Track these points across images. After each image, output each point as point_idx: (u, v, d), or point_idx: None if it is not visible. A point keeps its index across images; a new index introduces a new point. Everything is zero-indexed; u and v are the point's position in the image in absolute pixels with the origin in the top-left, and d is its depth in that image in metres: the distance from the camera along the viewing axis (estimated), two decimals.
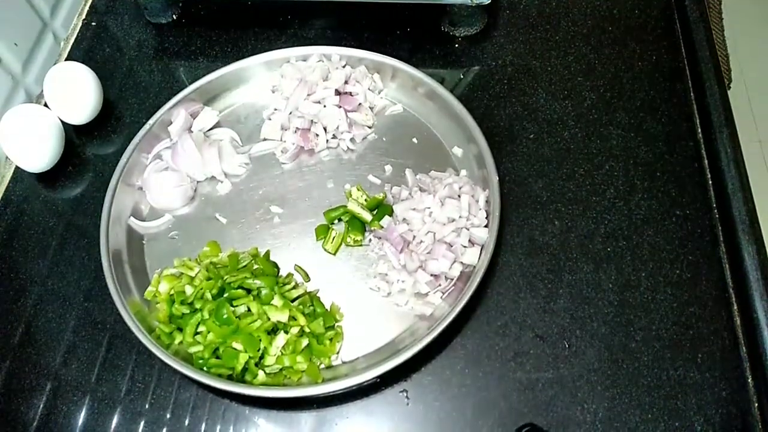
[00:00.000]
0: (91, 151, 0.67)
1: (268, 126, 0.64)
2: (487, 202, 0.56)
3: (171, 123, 0.63)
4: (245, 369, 0.50)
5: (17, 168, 0.65)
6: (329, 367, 0.52)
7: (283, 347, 0.50)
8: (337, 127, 0.63)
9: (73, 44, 0.75)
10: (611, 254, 0.56)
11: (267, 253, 0.57)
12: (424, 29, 0.71)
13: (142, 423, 0.51)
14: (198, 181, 0.63)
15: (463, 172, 0.59)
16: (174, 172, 0.61)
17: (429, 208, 0.55)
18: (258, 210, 0.60)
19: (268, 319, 0.51)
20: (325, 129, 0.63)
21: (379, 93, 0.66)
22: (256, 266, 0.55)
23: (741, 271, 0.54)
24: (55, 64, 0.73)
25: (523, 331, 0.53)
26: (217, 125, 0.65)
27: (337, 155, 0.64)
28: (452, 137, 0.62)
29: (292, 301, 0.53)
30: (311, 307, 0.53)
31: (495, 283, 0.55)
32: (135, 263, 0.57)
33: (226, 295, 0.52)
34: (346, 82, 0.64)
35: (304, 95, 0.63)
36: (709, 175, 0.60)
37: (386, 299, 0.54)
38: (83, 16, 0.77)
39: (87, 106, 0.65)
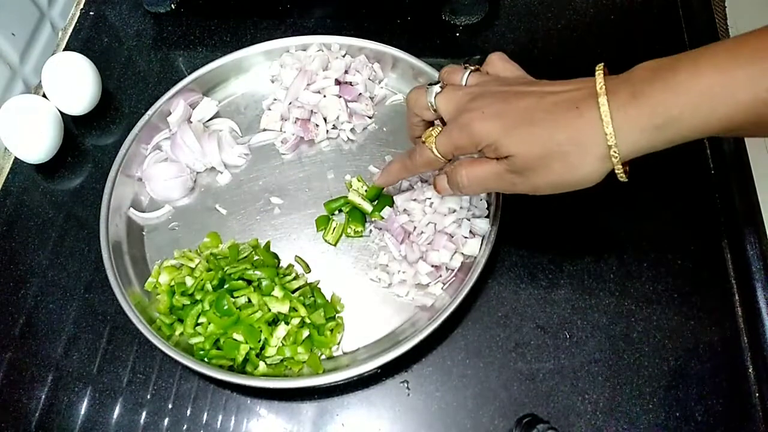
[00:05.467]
0: (90, 142, 0.66)
1: (267, 116, 0.64)
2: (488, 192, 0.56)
3: (170, 113, 0.63)
4: (246, 360, 0.50)
5: (16, 159, 0.65)
6: (330, 357, 0.52)
7: (284, 338, 0.50)
8: (337, 118, 0.62)
9: (71, 34, 0.74)
10: (613, 244, 0.56)
11: (267, 244, 0.57)
12: (424, 18, 0.71)
13: (143, 413, 0.51)
14: (197, 172, 0.62)
15: None
16: (173, 162, 0.61)
17: (430, 198, 0.55)
18: (258, 201, 0.60)
19: (269, 310, 0.51)
20: (325, 119, 0.62)
21: (380, 83, 0.65)
22: (256, 257, 0.55)
23: (743, 260, 0.54)
24: (53, 54, 0.72)
25: (524, 322, 0.53)
26: (216, 115, 0.65)
27: (338, 145, 0.63)
28: None
29: (293, 292, 0.53)
30: (312, 298, 0.53)
31: (496, 274, 0.55)
32: (135, 254, 0.57)
33: (226, 286, 0.52)
34: (346, 72, 0.63)
35: (304, 85, 0.62)
36: (711, 165, 0.59)
37: (387, 290, 0.54)
38: (81, 6, 0.77)
39: (85, 97, 0.64)
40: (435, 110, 0.46)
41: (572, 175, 0.40)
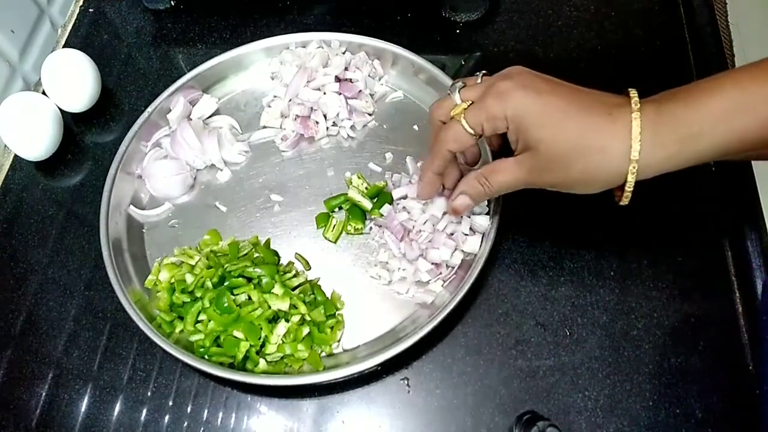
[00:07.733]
0: (90, 139, 0.66)
1: (267, 113, 0.64)
2: None
3: (170, 110, 0.63)
4: (246, 357, 0.50)
5: (16, 156, 0.65)
6: (330, 355, 0.52)
7: (284, 335, 0.50)
8: (337, 115, 0.62)
9: (70, 31, 0.74)
10: (613, 242, 0.56)
11: (267, 242, 0.57)
12: (424, 15, 0.71)
13: (144, 411, 0.51)
14: (197, 169, 0.62)
15: None
16: (173, 160, 0.61)
17: None
18: (258, 198, 0.60)
19: (269, 307, 0.51)
20: (325, 116, 0.62)
21: (380, 80, 0.65)
22: (256, 255, 0.55)
23: (743, 258, 0.54)
24: (52, 51, 0.72)
25: (525, 319, 0.53)
26: (216, 113, 0.65)
27: (338, 143, 0.63)
28: None
29: (293, 289, 0.53)
30: (312, 296, 0.53)
31: (496, 271, 0.55)
32: (135, 252, 0.57)
33: (226, 283, 0.52)
34: (346, 69, 0.63)
35: (304, 82, 0.62)
36: (712, 162, 0.59)
37: (387, 287, 0.54)
38: (80, 3, 0.76)
39: (85, 94, 0.64)
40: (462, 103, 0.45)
41: (593, 176, 0.42)
